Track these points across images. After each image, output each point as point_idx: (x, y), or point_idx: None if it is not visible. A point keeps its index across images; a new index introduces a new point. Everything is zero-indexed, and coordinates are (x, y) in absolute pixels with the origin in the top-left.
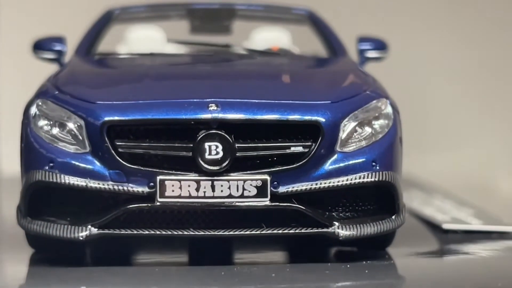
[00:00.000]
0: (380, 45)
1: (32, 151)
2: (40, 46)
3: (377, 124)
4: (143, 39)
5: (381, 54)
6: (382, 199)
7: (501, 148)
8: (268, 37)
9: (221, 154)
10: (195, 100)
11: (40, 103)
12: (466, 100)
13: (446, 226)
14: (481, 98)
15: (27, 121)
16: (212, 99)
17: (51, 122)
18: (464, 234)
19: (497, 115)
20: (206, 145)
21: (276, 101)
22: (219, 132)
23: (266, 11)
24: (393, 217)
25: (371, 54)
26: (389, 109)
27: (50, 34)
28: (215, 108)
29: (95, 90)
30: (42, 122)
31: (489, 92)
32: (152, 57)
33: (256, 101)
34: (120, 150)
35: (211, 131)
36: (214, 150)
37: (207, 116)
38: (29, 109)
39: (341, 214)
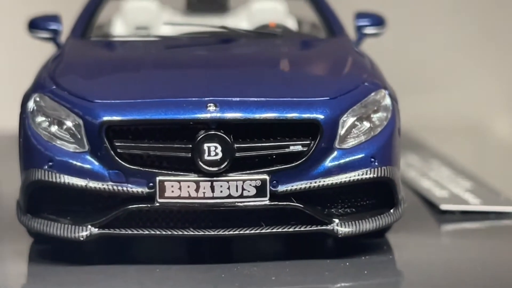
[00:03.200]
0: (378, 21)
1: (31, 148)
2: (35, 25)
3: (375, 117)
4: (139, 10)
5: (378, 30)
6: (380, 194)
7: (496, 87)
8: (265, 8)
9: (220, 155)
10: (193, 99)
11: (37, 99)
12: (459, 37)
13: (443, 207)
14: (475, 35)
15: (24, 115)
16: (210, 98)
17: (49, 119)
18: (462, 214)
19: (492, 53)
20: (205, 146)
21: (275, 99)
22: (218, 133)
23: None
24: (392, 210)
25: (369, 30)
26: (387, 101)
27: (45, 12)
28: (214, 108)
29: (92, 85)
30: (40, 119)
31: (483, 28)
32: (148, 41)
33: (255, 99)
34: (119, 150)
35: (210, 132)
36: (213, 151)
37: (206, 116)
38: (26, 102)
39: (340, 210)
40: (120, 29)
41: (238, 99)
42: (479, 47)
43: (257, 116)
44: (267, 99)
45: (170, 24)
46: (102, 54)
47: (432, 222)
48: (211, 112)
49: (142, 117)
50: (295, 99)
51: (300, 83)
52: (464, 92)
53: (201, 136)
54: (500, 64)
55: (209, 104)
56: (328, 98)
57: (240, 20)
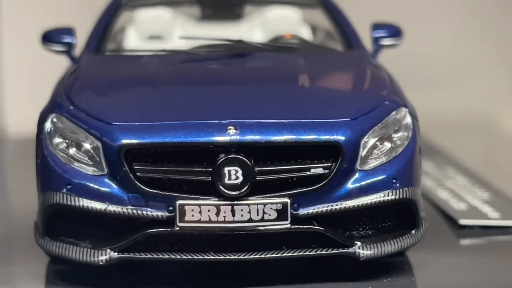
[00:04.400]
0: (395, 32)
1: (49, 171)
2: (49, 38)
3: (396, 137)
4: (152, 20)
5: (396, 41)
6: (401, 214)
7: (505, 82)
8: (279, 16)
9: (240, 179)
10: (213, 121)
11: (55, 119)
12: (468, 31)
13: (462, 222)
14: (484, 29)
15: (41, 136)
16: (230, 120)
17: (67, 141)
18: (481, 228)
19: (500, 47)
20: (226, 170)
21: (295, 121)
22: (239, 156)
23: None
24: (413, 231)
25: (386, 41)
26: (408, 120)
27: (59, 24)
28: (234, 130)
29: (110, 106)
30: (57, 140)
31: (492, 22)
32: (164, 56)
33: (275, 121)
34: (138, 174)
35: (230, 156)
36: (233, 175)
37: (226, 139)
38: (43, 122)
39: (361, 232)
40: (133, 39)
41: (258, 121)
42: (488, 41)
43: (277, 138)
44: (288, 121)
45: (185, 38)
46: (118, 72)
47: (451, 238)
48: (231, 135)
49: (162, 140)
50: (315, 120)
51: (321, 103)
52: (473, 87)
53: (221, 160)
54: (508, 58)
55: (229, 127)
56: (349, 119)
57: (254, 29)
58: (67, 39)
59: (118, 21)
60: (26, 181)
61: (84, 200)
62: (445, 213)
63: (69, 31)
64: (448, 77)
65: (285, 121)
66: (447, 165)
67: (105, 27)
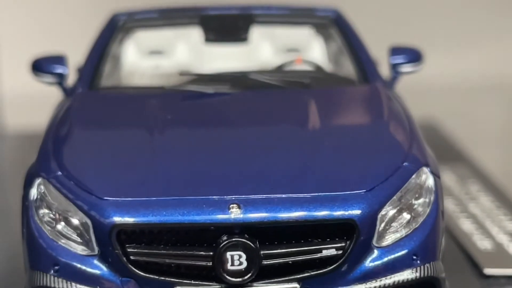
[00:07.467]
0: (415, 57)
1: (35, 245)
2: (39, 67)
3: (417, 204)
4: (152, 38)
5: (415, 67)
6: None
7: None
8: (290, 34)
9: (245, 264)
10: (214, 198)
11: (42, 188)
12: None
13: (487, 271)
14: None
15: (27, 203)
16: (233, 197)
17: (54, 214)
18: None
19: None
20: (228, 254)
21: (304, 195)
22: (242, 239)
23: (287, 16)
24: None
25: (405, 68)
26: (429, 182)
27: (50, 52)
28: (237, 209)
29: (101, 175)
30: (43, 211)
31: None
32: (163, 100)
33: (282, 195)
34: (132, 257)
35: (233, 239)
36: (237, 260)
37: (229, 217)
38: (29, 187)
39: None
40: (132, 54)
41: (263, 196)
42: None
43: (286, 216)
44: (297, 195)
45: (186, 74)
46: (112, 127)
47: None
48: (234, 215)
49: (157, 220)
50: (327, 194)
51: (333, 171)
52: (490, 49)
53: (223, 244)
54: None
55: (231, 205)
56: (364, 190)
57: (263, 44)
58: (58, 70)
59: (114, 45)
60: None
61: (73, 283)
62: (468, 255)
63: (60, 60)
64: (464, 41)
65: (294, 195)
66: (469, 179)
67: (99, 56)
